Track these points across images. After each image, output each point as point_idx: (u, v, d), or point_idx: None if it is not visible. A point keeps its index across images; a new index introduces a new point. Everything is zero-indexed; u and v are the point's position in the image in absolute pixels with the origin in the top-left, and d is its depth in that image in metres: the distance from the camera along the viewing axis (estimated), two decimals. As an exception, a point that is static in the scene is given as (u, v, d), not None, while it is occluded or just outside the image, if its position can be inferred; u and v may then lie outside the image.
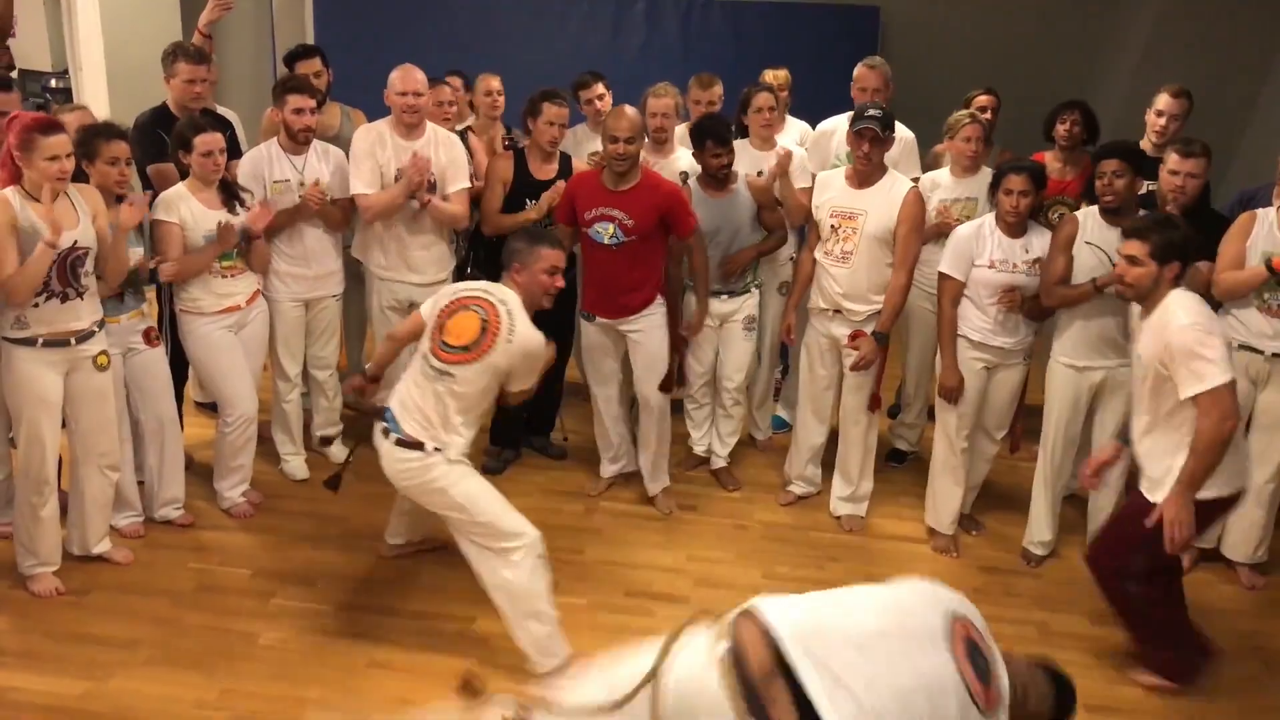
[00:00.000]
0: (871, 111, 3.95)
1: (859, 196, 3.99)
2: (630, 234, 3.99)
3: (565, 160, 4.38)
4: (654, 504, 4.40)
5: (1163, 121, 4.34)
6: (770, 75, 4.84)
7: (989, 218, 3.95)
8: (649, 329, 4.15)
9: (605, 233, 4.01)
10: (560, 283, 3.43)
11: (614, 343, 4.26)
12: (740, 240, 4.29)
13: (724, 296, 4.33)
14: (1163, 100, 4.35)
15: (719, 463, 4.63)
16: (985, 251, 3.90)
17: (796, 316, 4.31)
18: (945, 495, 4.17)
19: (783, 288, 4.59)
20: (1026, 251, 3.87)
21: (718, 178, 4.22)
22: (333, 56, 4.67)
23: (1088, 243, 3.80)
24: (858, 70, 4.67)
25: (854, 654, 1.91)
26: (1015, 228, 3.89)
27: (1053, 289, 3.84)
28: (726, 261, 4.27)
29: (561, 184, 4.25)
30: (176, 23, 6.26)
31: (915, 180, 4.55)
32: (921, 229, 4.05)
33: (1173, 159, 3.80)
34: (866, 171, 3.98)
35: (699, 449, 4.68)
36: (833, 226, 4.02)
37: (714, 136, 4.14)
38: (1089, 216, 3.84)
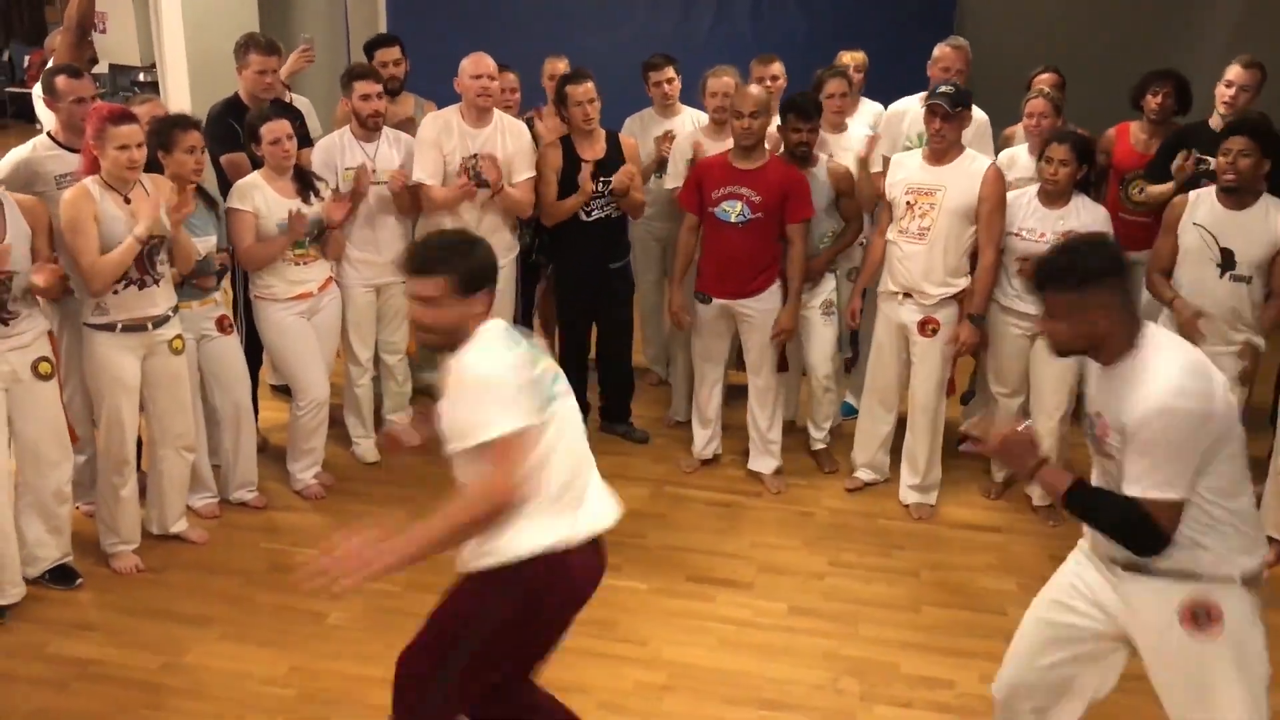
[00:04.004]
0: (943, 89, 3.89)
1: (936, 173, 3.93)
2: (757, 211, 4.03)
3: (612, 137, 4.38)
4: (764, 483, 4.40)
5: (1231, 93, 4.16)
6: (847, 57, 4.76)
7: (1035, 187, 3.90)
8: (767, 310, 4.17)
9: (733, 211, 4.05)
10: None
11: (728, 324, 4.27)
12: (809, 223, 4.25)
13: None
14: (1233, 71, 4.18)
15: (818, 445, 4.62)
16: (1018, 219, 3.86)
17: (863, 301, 4.26)
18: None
19: (852, 274, 4.51)
20: (1061, 221, 3.78)
21: (796, 154, 4.18)
22: (405, 47, 4.72)
23: (1195, 224, 3.64)
24: (938, 49, 4.59)
25: None
26: (1054, 197, 3.81)
27: (1152, 275, 3.72)
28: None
29: (630, 167, 4.27)
30: (254, 16, 6.38)
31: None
32: (1004, 206, 3.95)
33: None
34: (942, 149, 3.92)
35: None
36: (908, 203, 3.95)
37: (795, 111, 4.11)
38: (1203, 196, 3.65)
